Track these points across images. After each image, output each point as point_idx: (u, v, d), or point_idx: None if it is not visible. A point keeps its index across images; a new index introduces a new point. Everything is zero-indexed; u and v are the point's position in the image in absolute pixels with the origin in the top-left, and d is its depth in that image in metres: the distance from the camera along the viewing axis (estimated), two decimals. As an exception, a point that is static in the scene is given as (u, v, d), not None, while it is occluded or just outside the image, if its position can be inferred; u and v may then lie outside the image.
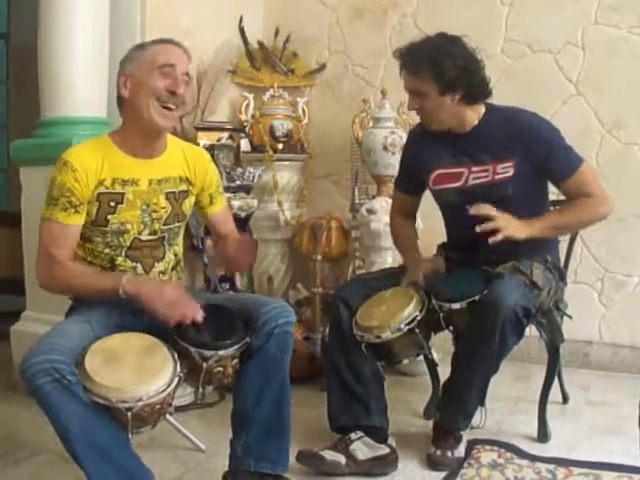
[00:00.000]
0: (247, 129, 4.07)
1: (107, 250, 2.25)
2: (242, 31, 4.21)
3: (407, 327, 2.54)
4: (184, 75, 2.20)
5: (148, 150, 2.26)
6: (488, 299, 2.44)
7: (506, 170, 2.61)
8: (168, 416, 2.12)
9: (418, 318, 2.56)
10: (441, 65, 2.53)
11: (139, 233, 2.26)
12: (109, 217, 2.20)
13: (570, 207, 2.66)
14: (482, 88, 2.63)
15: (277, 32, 4.30)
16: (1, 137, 5.72)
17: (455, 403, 2.63)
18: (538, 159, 2.58)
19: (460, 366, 2.58)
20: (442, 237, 2.94)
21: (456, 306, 2.54)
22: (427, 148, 2.76)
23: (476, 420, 2.66)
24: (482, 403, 2.65)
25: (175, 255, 2.40)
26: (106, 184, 2.19)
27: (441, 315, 2.58)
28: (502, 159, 2.61)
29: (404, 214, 3.00)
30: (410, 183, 2.93)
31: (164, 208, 2.29)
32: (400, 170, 3.01)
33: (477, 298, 2.49)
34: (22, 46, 5.23)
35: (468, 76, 2.56)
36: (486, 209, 2.51)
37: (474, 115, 2.66)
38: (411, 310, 2.56)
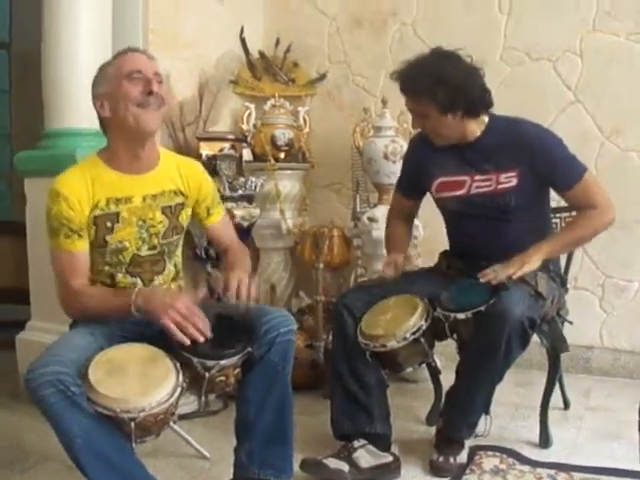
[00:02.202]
0: (249, 139, 4.09)
1: (107, 267, 2.27)
2: (243, 41, 4.23)
3: (412, 336, 2.54)
4: (155, 75, 2.21)
5: (137, 164, 2.27)
6: (494, 310, 2.43)
7: (509, 180, 2.62)
8: (172, 424, 2.12)
9: (423, 327, 2.56)
10: (436, 91, 2.53)
11: (138, 249, 2.28)
12: (107, 238, 2.22)
13: (575, 223, 2.68)
14: (482, 101, 2.63)
15: (278, 42, 4.33)
16: (4, 147, 5.77)
17: (459, 412, 2.64)
18: (542, 170, 2.60)
19: (465, 376, 2.59)
20: (443, 245, 2.95)
21: (461, 316, 2.54)
22: (430, 155, 2.77)
23: (480, 428, 2.67)
24: (487, 412, 2.66)
25: (175, 266, 2.43)
26: (101, 205, 2.20)
27: (446, 324, 2.57)
28: (505, 169, 2.62)
29: (402, 217, 3.01)
30: (411, 188, 2.95)
31: (161, 222, 2.30)
32: (402, 174, 3.02)
33: (483, 308, 2.49)
34: (24, 55, 5.29)
35: (466, 94, 2.56)
36: (493, 274, 2.51)
37: (477, 126, 2.67)
38: (416, 319, 2.57)
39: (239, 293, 2.20)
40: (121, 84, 2.17)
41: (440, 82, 2.52)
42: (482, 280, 2.51)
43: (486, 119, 2.69)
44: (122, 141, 2.23)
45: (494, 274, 2.50)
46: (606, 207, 2.63)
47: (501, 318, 2.40)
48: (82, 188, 2.18)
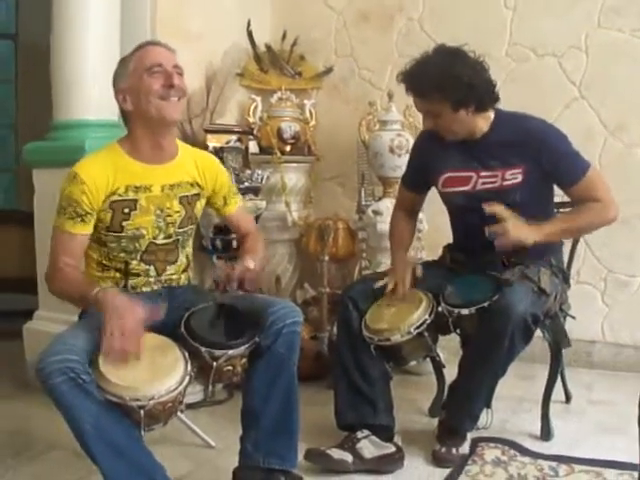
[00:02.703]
0: (255, 131, 4.11)
1: (122, 254, 2.31)
2: (250, 34, 4.25)
3: (416, 331, 2.57)
4: (174, 68, 2.25)
5: (159, 155, 2.31)
6: (498, 306, 2.46)
7: (514, 176, 2.64)
8: (179, 413, 2.16)
9: (427, 322, 2.59)
10: (447, 88, 2.54)
11: (154, 238, 2.32)
12: (124, 224, 2.26)
13: (578, 212, 2.69)
14: (491, 95, 2.65)
15: (284, 35, 4.34)
16: (9, 138, 5.78)
17: (463, 405, 2.67)
18: (547, 166, 2.62)
19: (469, 370, 2.62)
20: (447, 239, 2.98)
21: (465, 312, 2.57)
22: (437, 150, 2.79)
23: (481, 421, 2.72)
24: (488, 405, 2.70)
25: (186, 257, 2.47)
26: (119, 192, 2.24)
27: (450, 319, 2.61)
28: (511, 165, 2.64)
29: (407, 210, 3.03)
30: (417, 181, 2.96)
31: (178, 212, 2.35)
32: (408, 168, 3.04)
33: (486, 304, 2.52)
34: (31, 46, 5.30)
35: (476, 90, 2.57)
36: (501, 209, 2.55)
37: (484, 122, 2.69)
38: (421, 314, 2.60)
39: (242, 285, 2.24)
40: (142, 78, 2.21)
41: (450, 78, 2.54)
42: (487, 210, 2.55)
43: (492, 115, 2.71)
44: (144, 132, 2.27)
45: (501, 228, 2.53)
46: (609, 203, 2.65)
47: (505, 314, 2.42)
48: (102, 175, 2.22)
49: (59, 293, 2.25)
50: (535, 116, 2.71)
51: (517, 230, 2.52)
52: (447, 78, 2.54)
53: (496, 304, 2.48)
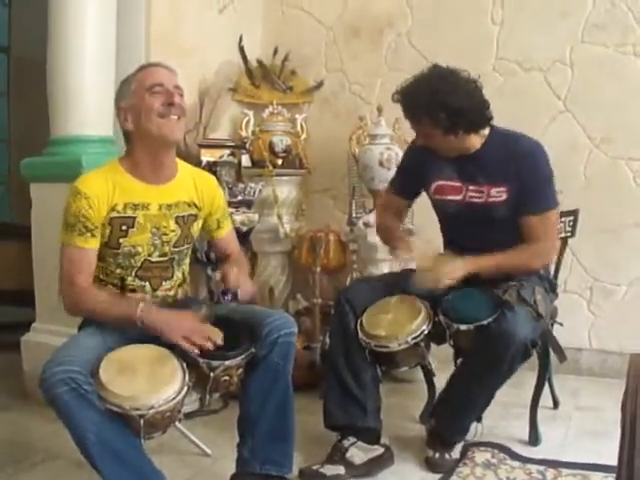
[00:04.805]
0: (248, 145, 4.15)
1: (118, 270, 2.35)
2: (242, 50, 4.30)
3: (414, 341, 2.61)
4: (175, 88, 2.29)
5: (159, 174, 2.35)
6: (500, 330, 2.47)
7: (499, 194, 2.67)
8: (177, 423, 2.22)
9: (425, 333, 2.63)
10: (436, 116, 2.58)
11: (149, 255, 2.36)
12: (121, 240, 2.30)
13: (515, 253, 2.69)
14: (483, 117, 2.68)
15: (276, 51, 4.40)
16: (2, 151, 5.80)
17: (454, 420, 2.73)
18: (524, 185, 2.63)
19: (463, 388, 2.65)
20: (437, 250, 3.00)
21: (464, 327, 2.61)
22: (430, 158, 2.80)
23: (471, 432, 2.78)
24: (479, 420, 2.76)
25: (182, 273, 2.51)
26: (118, 209, 2.28)
27: (447, 332, 2.65)
28: (496, 183, 2.67)
29: (395, 214, 3.04)
30: (407, 186, 2.98)
31: (174, 231, 2.38)
32: (399, 172, 3.07)
33: (485, 323, 2.56)
34: (23, 59, 5.34)
35: (465, 115, 2.60)
36: (422, 279, 2.64)
37: (478, 139, 2.72)
38: (419, 324, 2.63)
39: (237, 282, 2.33)
40: (143, 97, 2.26)
41: (441, 108, 2.57)
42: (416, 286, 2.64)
43: (487, 131, 2.74)
44: (145, 152, 2.31)
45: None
46: (547, 250, 2.73)
47: (506, 340, 2.45)
48: (103, 190, 2.26)
49: (86, 312, 2.30)
50: (529, 137, 2.73)
51: (441, 272, 2.61)
52: (435, 106, 2.58)
53: (497, 327, 2.50)
